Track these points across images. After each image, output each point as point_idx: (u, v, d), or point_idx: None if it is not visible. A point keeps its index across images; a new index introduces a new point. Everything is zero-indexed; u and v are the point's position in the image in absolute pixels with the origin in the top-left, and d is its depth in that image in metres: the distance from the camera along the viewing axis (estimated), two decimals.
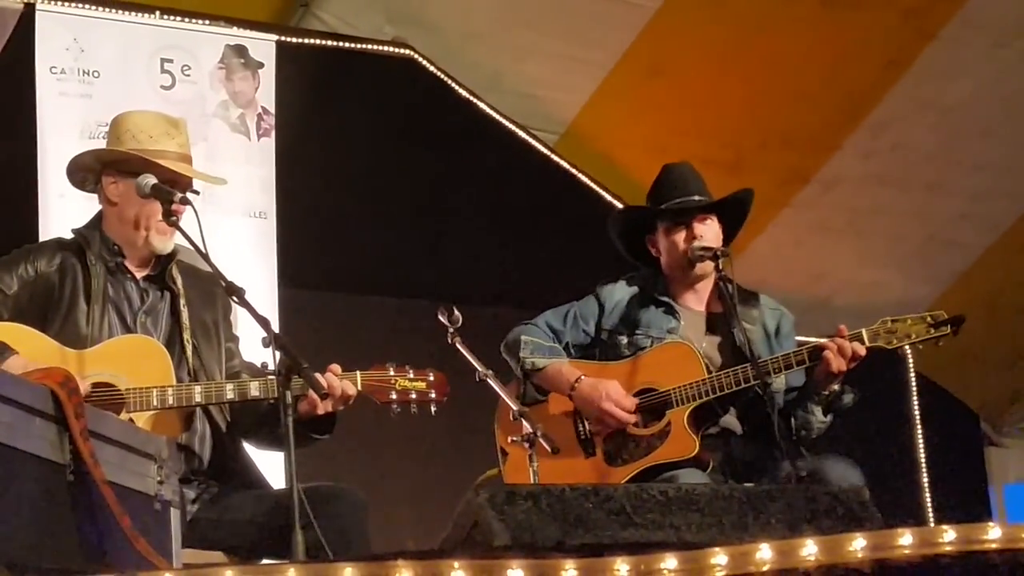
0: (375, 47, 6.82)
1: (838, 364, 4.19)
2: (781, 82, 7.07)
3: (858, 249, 7.86)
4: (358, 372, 3.82)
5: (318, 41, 6.73)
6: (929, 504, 7.88)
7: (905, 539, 2.21)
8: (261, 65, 6.38)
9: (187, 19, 6.27)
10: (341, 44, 6.77)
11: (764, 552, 2.14)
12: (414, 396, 3.88)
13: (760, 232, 7.37)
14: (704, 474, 4.23)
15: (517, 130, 7.13)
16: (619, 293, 4.58)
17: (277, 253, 6.23)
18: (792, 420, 4.36)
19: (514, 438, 4.10)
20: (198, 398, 3.73)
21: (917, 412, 8.06)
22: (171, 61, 6.20)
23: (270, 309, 5.85)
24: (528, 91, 7.14)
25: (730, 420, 4.39)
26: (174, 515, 2.99)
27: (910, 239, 7.89)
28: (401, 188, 6.82)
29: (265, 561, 3.67)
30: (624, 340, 4.50)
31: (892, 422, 7.92)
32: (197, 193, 3.88)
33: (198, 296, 3.97)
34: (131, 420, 3.57)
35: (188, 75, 6.22)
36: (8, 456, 2.49)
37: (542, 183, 7.13)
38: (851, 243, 7.84)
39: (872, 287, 7.85)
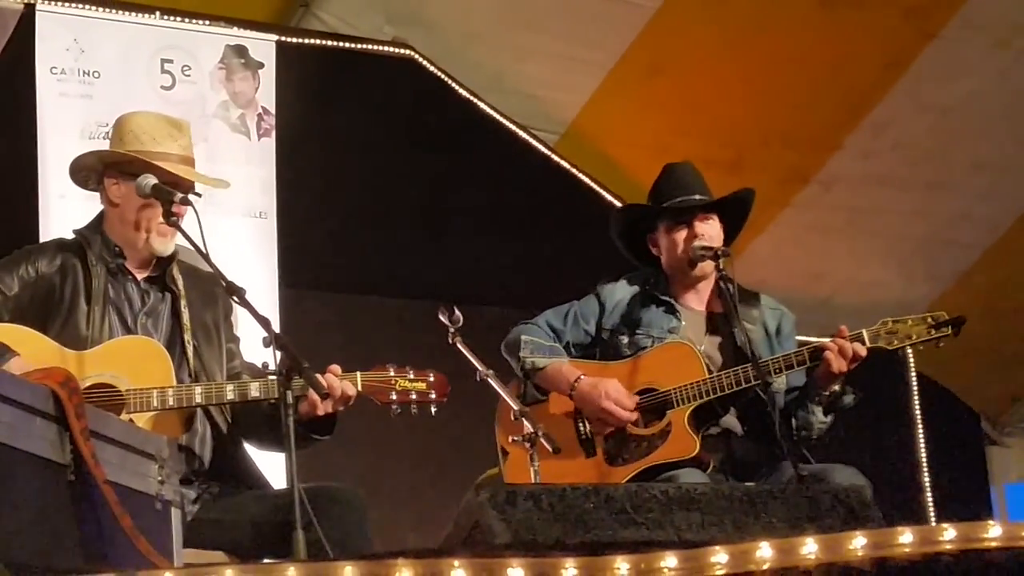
0: (375, 47, 6.82)
1: (839, 365, 4.19)
2: (781, 82, 7.07)
3: (858, 249, 7.86)
4: (358, 373, 3.82)
5: (318, 41, 6.73)
6: (930, 504, 7.88)
7: (905, 537, 2.21)
8: (261, 65, 6.38)
9: (187, 19, 6.27)
10: (341, 44, 6.77)
11: (764, 551, 2.14)
12: (414, 397, 3.87)
13: (760, 232, 7.38)
14: (704, 474, 4.23)
15: (517, 130, 7.13)
16: (620, 292, 4.58)
17: (277, 253, 6.23)
18: (793, 420, 4.36)
19: (515, 438, 4.10)
20: (198, 399, 3.73)
21: (918, 412, 8.06)
22: (171, 61, 6.20)
23: (270, 309, 5.85)
24: (528, 91, 7.14)
25: (730, 420, 4.39)
26: (175, 515, 2.99)
27: (910, 239, 7.89)
28: (401, 188, 6.82)
29: (266, 561, 3.67)
30: (625, 340, 4.50)
31: (893, 422, 7.92)
32: (199, 196, 3.88)
33: (199, 297, 3.97)
34: (131, 421, 3.57)
35: (188, 75, 6.23)
36: (9, 456, 2.49)
37: (542, 183, 7.13)
38: (851, 243, 7.84)
39: (872, 287, 7.86)
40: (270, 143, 6.36)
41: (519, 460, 4.29)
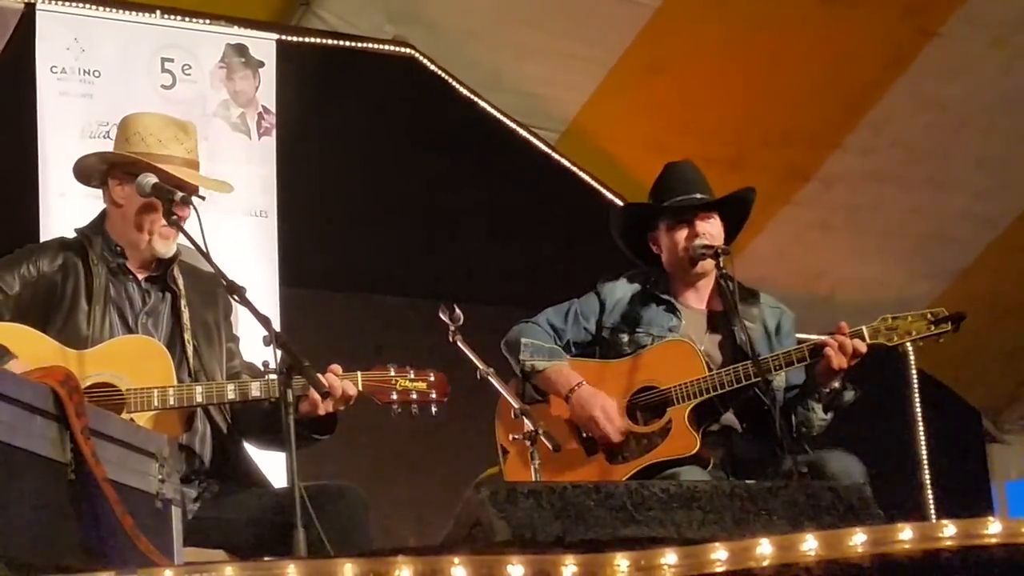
0: (375, 46, 6.82)
1: (839, 361, 4.18)
2: (781, 80, 7.08)
3: (858, 246, 7.86)
4: (359, 372, 3.82)
5: (319, 40, 6.74)
6: (931, 501, 7.88)
7: (905, 534, 2.21)
8: (262, 64, 6.38)
9: (188, 18, 6.27)
10: (342, 43, 6.77)
11: (764, 547, 2.14)
12: (415, 396, 3.87)
13: (761, 230, 7.38)
14: (705, 471, 4.23)
15: (518, 128, 7.13)
16: (620, 291, 4.58)
17: (278, 252, 6.23)
18: (793, 417, 4.36)
19: (515, 436, 4.10)
20: (199, 398, 3.73)
21: (919, 409, 8.06)
22: (172, 60, 6.20)
23: (271, 308, 5.85)
24: (529, 89, 7.14)
25: (730, 418, 4.39)
26: (175, 514, 2.99)
27: (910, 236, 7.89)
28: (402, 187, 6.82)
29: (266, 559, 3.67)
30: (625, 338, 4.50)
31: (893, 419, 7.91)
32: (203, 198, 3.88)
33: (199, 296, 3.97)
34: (132, 420, 3.57)
35: (189, 74, 6.22)
36: (9, 455, 2.49)
37: (543, 181, 7.13)
38: (851, 240, 7.84)
39: (872, 284, 7.86)
40: (270, 142, 6.36)
41: (520, 458, 4.30)
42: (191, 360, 3.86)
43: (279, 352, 3.38)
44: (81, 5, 6.05)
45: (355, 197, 6.70)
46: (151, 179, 3.78)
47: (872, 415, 6.60)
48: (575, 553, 2.08)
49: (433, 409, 3.91)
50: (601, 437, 4.36)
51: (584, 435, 4.43)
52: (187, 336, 3.89)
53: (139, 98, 5.80)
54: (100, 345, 3.74)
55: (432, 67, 6.89)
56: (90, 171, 3.97)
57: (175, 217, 3.75)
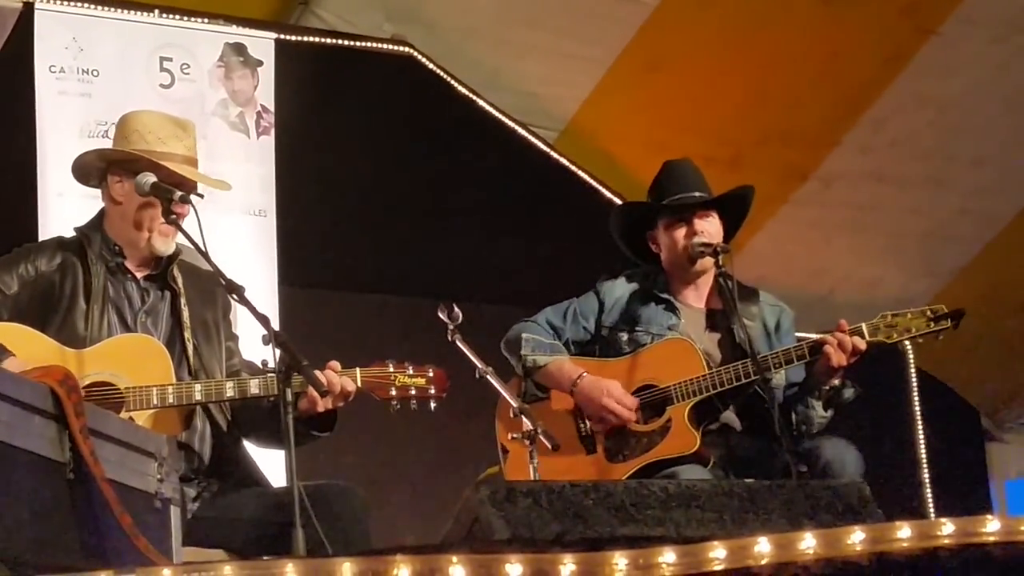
0: (374, 45, 6.81)
1: (838, 359, 4.19)
2: (780, 78, 7.07)
3: (858, 245, 7.86)
4: (358, 369, 3.82)
5: (317, 39, 6.73)
6: (930, 500, 7.87)
7: (903, 532, 2.21)
8: (260, 63, 6.38)
9: (186, 17, 6.27)
10: (340, 42, 6.76)
11: (762, 546, 2.14)
12: (414, 392, 3.88)
13: (759, 229, 7.37)
14: (705, 470, 4.23)
15: (516, 127, 7.13)
16: (619, 289, 4.58)
17: (277, 251, 6.23)
18: (792, 415, 4.36)
19: (515, 435, 4.10)
20: (198, 396, 3.73)
21: (918, 408, 8.06)
22: (170, 59, 6.20)
23: (270, 307, 5.85)
24: (527, 88, 7.13)
25: (730, 416, 4.39)
26: (174, 513, 2.99)
27: (909, 235, 7.88)
28: (400, 186, 6.82)
29: (265, 559, 3.66)
30: (624, 337, 4.50)
31: (892, 418, 7.91)
32: (202, 197, 3.88)
33: (198, 295, 3.97)
34: (131, 419, 3.57)
35: (187, 73, 6.22)
36: (7, 454, 2.49)
37: (541, 180, 7.13)
38: (850, 239, 7.83)
39: (872, 283, 7.85)
40: (269, 141, 6.35)
41: (519, 457, 4.29)
42: (191, 359, 3.86)
43: (278, 351, 3.38)
44: (80, 4, 6.05)
45: (354, 196, 6.70)
46: (150, 178, 3.78)
47: (871, 413, 6.60)
48: (574, 552, 2.08)
49: (432, 405, 3.91)
50: (615, 419, 4.34)
51: (584, 433, 4.43)
52: (187, 335, 3.89)
53: (138, 97, 5.80)
54: (99, 344, 3.74)
55: (431, 66, 6.88)
56: (89, 169, 3.97)
57: (174, 215, 3.76)
